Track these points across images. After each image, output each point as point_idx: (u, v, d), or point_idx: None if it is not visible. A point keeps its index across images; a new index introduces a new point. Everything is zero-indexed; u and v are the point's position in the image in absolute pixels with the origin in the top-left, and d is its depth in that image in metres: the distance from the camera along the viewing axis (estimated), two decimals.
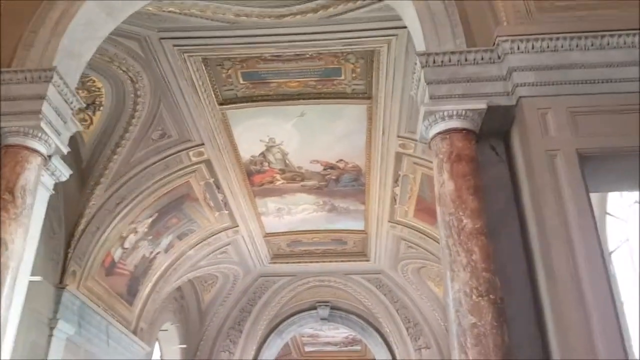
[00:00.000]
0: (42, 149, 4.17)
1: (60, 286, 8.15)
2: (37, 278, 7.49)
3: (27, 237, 3.95)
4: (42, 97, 4.19)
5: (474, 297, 3.43)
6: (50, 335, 7.82)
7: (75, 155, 8.22)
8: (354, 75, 8.16)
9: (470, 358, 3.25)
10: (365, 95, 8.49)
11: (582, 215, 3.75)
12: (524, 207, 4.12)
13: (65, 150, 4.45)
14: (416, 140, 9.16)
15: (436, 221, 10.92)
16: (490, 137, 4.41)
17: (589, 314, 3.51)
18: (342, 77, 8.22)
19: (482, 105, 4.16)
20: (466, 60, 4.28)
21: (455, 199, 3.80)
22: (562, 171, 3.84)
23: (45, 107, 4.20)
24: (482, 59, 4.28)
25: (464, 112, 4.11)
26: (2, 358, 3.85)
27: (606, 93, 4.06)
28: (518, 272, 3.87)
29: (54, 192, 4.73)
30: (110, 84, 7.77)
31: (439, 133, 4.14)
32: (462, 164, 3.93)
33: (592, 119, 3.99)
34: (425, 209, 10.65)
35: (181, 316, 13.52)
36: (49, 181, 4.56)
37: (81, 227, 8.53)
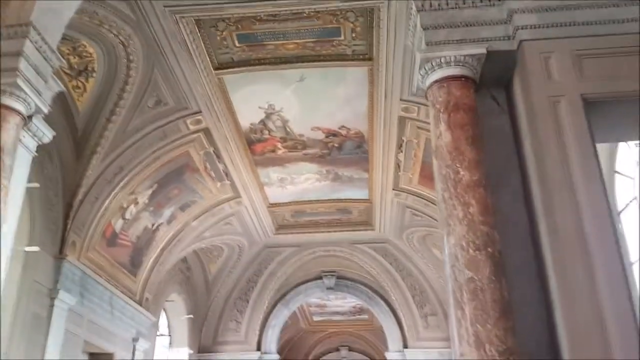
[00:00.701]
0: (21, 107, 4.00)
1: (59, 257, 8.09)
2: (35, 248, 7.48)
3: (8, 199, 3.80)
4: (18, 54, 4.01)
5: (470, 251, 3.25)
6: (52, 306, 7.80)
7: (70, 125, 8.10)
8: (354, 35, 7.84)
9: (467, 313, 3.09)
10: (367, 57, 8.18)
11: (588, 166, 3.53)
12: (525, 159, 3.90)
13: (46, 109, 4.28)
14: (420, 104, 9.02)
15: None
16: (491, 87, 4.18)
17: (594, 272, 3.31)
18: (342, 38, 7.90)
19: (481, 50, 3.91)
20: (464, 2, 4.01)
21: (452, 150, 3.59)
22: (566, 118, 3.61)
23: (23, 64, 4.02)
24: (481, 1, 4.02)
25: (462, 58, 3.87)
26: None
27: (613, 34, 3.80)
28: (519, 227, 3.68)
29: (36, 154, 4.58)
30: (101, 49, 7.54)
31: (436, 81, 3.91)
32: (460, 113, 3.71)
33: (598, 62, 3.74)
34: (430, 175, 10.40)
35: (187, 287, 13.54)
36: (30, 143, 4.40)
37: (79, 197, 8.43)
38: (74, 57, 7.51)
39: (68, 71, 7.57)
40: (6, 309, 6.69)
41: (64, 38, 6.96)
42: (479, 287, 3.14)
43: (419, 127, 9.31)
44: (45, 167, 7.65)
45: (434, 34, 3.99)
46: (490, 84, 4.19)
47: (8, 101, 3.94)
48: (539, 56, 3.90)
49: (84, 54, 7.59)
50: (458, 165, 3.52)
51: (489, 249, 3.28)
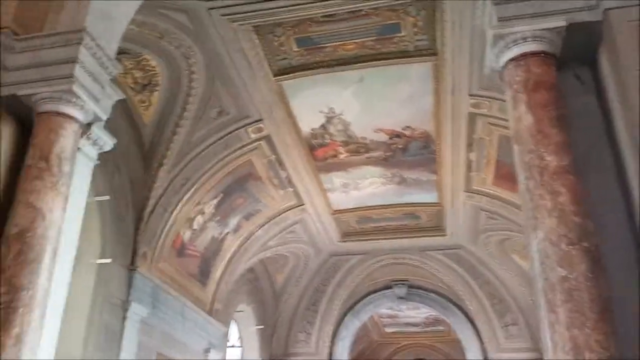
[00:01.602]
0: (78, 114, 4.00)
1: (131, 268, 8.22)
2: (107, 260, 7.62)
3: (68, 208, 3.78)
4: (73, 61, 4.01)
5: (562, 245, 2.82)
6: (124, 318, 7.91)
7: (137, 138, 8.28)
8: (415, 30, 7.49)
9: (561, 317, 2.67)
10: (430, 52, 7.78)
11: None
12: (618, 142, 3.41)
13: (104, 117, 4.27)
14: (491, 98, 8.48)
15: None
16: (573, 65, 3.71)
17: None
18: (403, 34, 7.57)
19: (560, 22, 3.47)
20: None
21: (535, 133, 3.17)
22: None
23: (78, 71, 4.02)
24: None
25: (540, 32, 3.45)
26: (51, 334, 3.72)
27: None
28: (614, 217, 3.19)
29: (98, 162, 4.58)
30: (164, 62, 7.65)
31: (512, 60, 3.50)
32: (542, 92, 3.29)
33: None
34: (507, 175, 9.78)
35: (256, 297, 13.53)
36: (91, 151, 4.41)
37: (149, 209, 8.56)
38: (138, 72, 7.66)
39: (133, 85, 7.73)
40: (79, 321, 6.82)
41: (127, 52, 7.16)
42: (574, 286, 2.71)
43: (491, 124, 8.77)
44: (114, 180, 7.81)
45: (506, 9, 3.59)
46: (571, 61, 3.74)
47: (65, 108, 3.95)
48: (629, 25, 3.42)
49: (147, 67, 7.73)
50: (543, 149, 3.10)
51: (584, 243, 2.84)
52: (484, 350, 13.29)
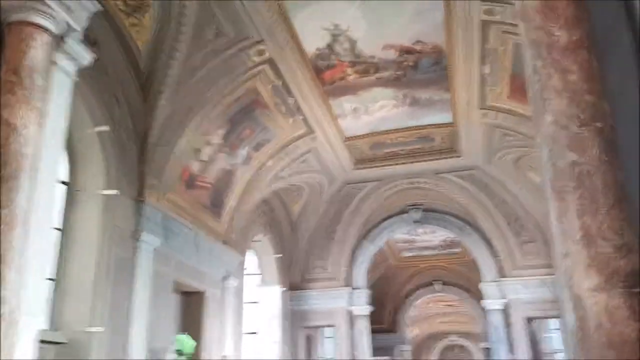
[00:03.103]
0: (50, 25, 3.73)
1: (139, 199, 8.17)
2: (113, 191, 7.54)
3: (47, 125, 3.59)
4: None
5: (573, 127, 2.53)
6: (136, 248, 7.94)
7: (134, 66, 7.99)
8: None
9: (571, 204, 2.43)
10: None
11: None
12: (638, 18, 3.01)
13: (78, 27, 3.99)
14: (505, 3, 7.88)
15: None
16: None
17: None
18: None
19: None
20: None
21: (542, 8, 2.80)
22: None
23: None
24: None
25: None
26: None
27: None
28: (631, 99, 2.86)
29: (77, 79, 4.34)
30: None
31: None
32: None
33: None
34: (521, 88, 9.30)
35: (273, 228, 13.60)
36: (68, 65, 4.16)
37: (152, 139, 8.40)
38: None
39: (123, 8, 7.35)
40: (90, 253, 6.85)
41: None
42: (585, 170, 2.45)
43: (504, 32, 8.21)
44: (114, 111, 7.61)
45: None
46: None
47: (35, 18, 3.68)
48: None
49: None
50: (552, 25, 2.74)
51: (598, 124, 2.54)
52: (500, 268, 13.29)
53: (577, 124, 2.53)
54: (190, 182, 9.60)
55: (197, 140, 9.30)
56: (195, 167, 9.62)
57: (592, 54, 2.72)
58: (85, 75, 5.71)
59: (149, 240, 8.14)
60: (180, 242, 9.13)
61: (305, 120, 10.77)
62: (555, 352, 13.26)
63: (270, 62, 9.02)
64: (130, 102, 7.94)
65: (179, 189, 9.29)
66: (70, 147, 7.09)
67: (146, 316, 7.86)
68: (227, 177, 10.53)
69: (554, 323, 15.14)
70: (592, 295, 2.31)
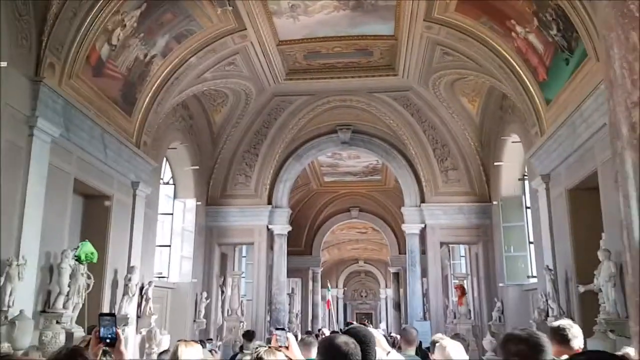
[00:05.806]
0: None
1: (36, 79, 6.84)
2: (2, 63, 6.22)
3: None
4: None
5: None
6: (30, 135, 6.72)
7: None
8: None
9: None
10: None
11: None
12: None
13: None
14: None
15: (483, 14, 8.98)
16: None
17: None
18: None
19: None
20: None
21: None
22: None
23: None
24: None
25: None
26: None
27: None
28: None
29: None
30: None
31: None
32: None
33: None
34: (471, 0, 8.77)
35: (191, 137, 12.51)
36: None
37: (53, 9, 6.97)
38: None
39: None
40: None
41: None
42: None
43: None
44: None
45: None
46: None
47: None
48: None
49: None
50: None
51: None
52: (422, 194, 13.28)
53: None
54: (98, 68, 8.28)
55: (107, 19, 7.90)
56: (104, 51, 8.27)
57: None
58: None
59: (46, 129, 6.91)
60: (84, 138, 7.93)
61: (236, 12, 9.54)
62: (464, 277, 13.66)
63: None
64: None
65: (85, 74, 7.96)
66: None
67: (41, 215, 6.78)
68: (141, 68, 9.23)
69: (463, 249, 15.70)
70: None
